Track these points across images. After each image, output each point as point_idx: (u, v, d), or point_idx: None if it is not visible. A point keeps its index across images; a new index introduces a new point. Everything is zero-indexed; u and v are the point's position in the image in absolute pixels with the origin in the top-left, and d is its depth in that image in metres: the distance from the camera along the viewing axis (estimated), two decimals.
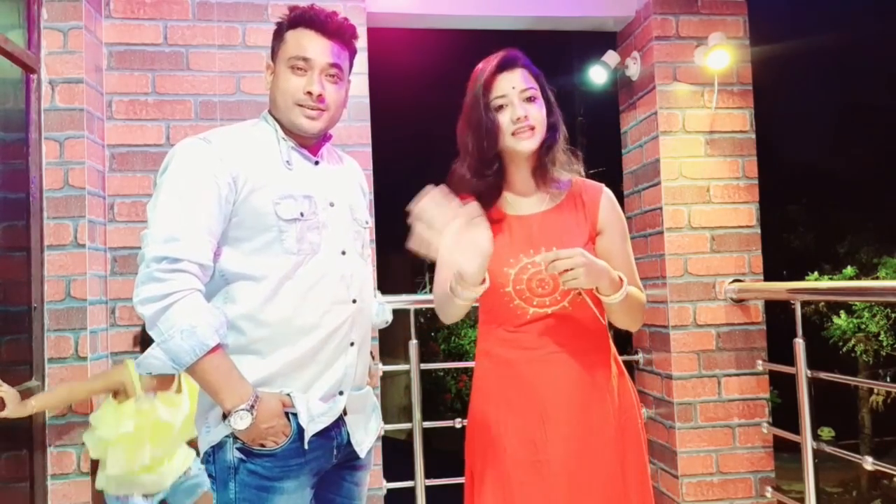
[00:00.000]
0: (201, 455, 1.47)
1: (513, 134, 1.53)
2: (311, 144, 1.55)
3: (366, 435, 1.58)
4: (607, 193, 1.62)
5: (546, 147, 1.57)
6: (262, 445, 1.39)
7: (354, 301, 1.52)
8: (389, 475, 2.54)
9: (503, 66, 1.55)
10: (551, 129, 1.57)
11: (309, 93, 1.46)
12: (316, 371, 1.46)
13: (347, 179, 1.65)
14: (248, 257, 1.42)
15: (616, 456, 1.57)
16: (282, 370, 1.43)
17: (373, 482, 2.45)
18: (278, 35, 1.52)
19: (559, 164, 1.59)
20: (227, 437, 1.40)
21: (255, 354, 1.42)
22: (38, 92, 2.16)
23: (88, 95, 2.22)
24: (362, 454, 1.56)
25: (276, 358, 1.42)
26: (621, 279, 1.50)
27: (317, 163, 1.56)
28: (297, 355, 1.43)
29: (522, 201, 1.61)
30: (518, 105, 1.52)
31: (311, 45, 1.47)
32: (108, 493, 2.13)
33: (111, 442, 2.06)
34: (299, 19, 1.49)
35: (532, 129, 1.53)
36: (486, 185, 1.58)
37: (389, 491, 2.54)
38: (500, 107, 1.54)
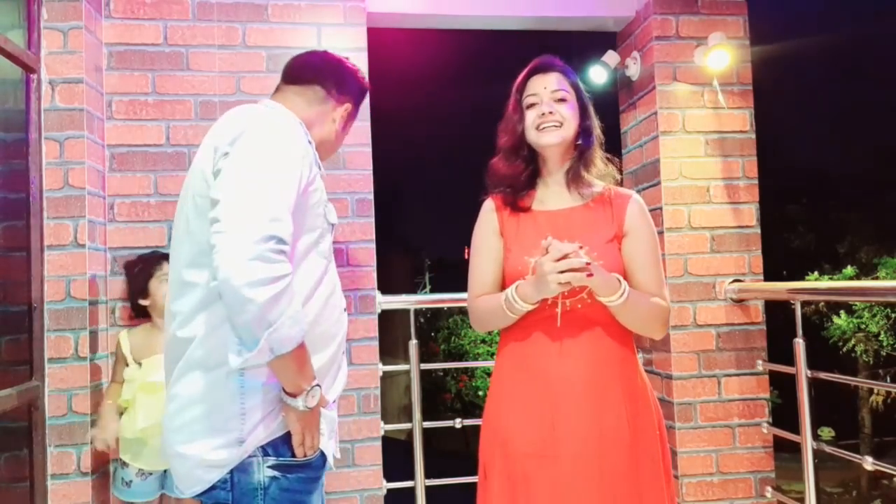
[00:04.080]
0: (203, 482, 1.33)
1: (537, 128, 1.61)
2: None
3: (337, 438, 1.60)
4: (637, 199, 1.66)
5: (579, 151, 1.64)
6: (298, 453, 1.36)
7: (345, 310, 1.57)
8: (389, 475, 2.54)
9: (538, 69, 1.64)
10: (584, 133, 1.64)
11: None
12: (332, 378, 1.47)
13: None
14: (295, 256, 1.37)
15: (628, 458, 1.55)
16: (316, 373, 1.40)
17: (373, 482, 2.45)
18: (352, 96, 1.65)
19: (594, 170, 1.65)
20: (252, 456, 1.33)
21: None
22: (38, 92, 2.16)
23: (88, 95, 2.22)
24: (338, 454, 1.57)
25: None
26: (620, 282, 1.51)
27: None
28: (325, 360, 1.43)
29: (552, 198, 1.67)
30: (546, 104, 1.61)
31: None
32: (116, 477, 2.20)
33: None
34: (362, 99, 1.72)
35: (559, 125, 1.60)
36: (515, 177, 1.66)
37: (389, 491, 2.54)
38: (531, 105, 1.63)
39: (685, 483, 2.57)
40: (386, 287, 2.60)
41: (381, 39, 2.82)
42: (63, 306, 2.14)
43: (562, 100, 1.62)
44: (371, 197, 2.52)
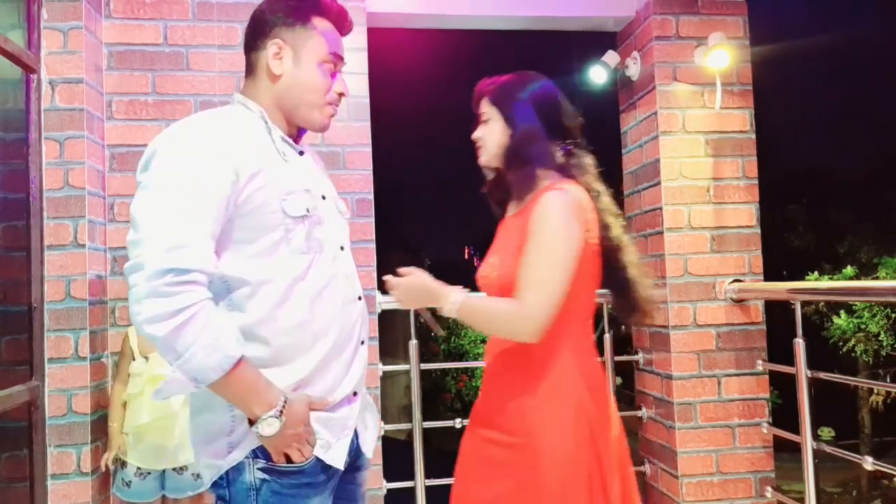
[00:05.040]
0: (206, 480, 1.35)
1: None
2: (295, 134, 1.45)
3: (370, 433, 1.53)
4: (544, 198, 1.49)
5: (505, 167, 1.62)
6: (288, 458, 1.30)
7: (360, 298, 1.47)
8: (389, 475, 2.54)
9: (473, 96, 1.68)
10: (513, 150, 1.58)
11: (341, 94, 1.43)
12: (338, 374, 1.39)
13: (321, 169, 1.57)
14: (253, 260, 1.30)
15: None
16: (305, 379, 1.33)
17: (373, 482, 2.45)
18: (301, 16, 1.39)
19: (522, 184, 1.58)
20: (246, 457, 1.31)
21: (275, 366, 1.30)
22: (38, 92, 2.16)
23: (88, 95, 2.22)
24: (370, 453, 1.51)
25: (297, 367, 1.33)
26: (446, 296, 1.53)
27: (301, 153, 1.45)
28: (318, 360, 1.35)
29: (511, 207, 1.67)
30: (477, 129, 1.65)
31: (340, 42, 1.43)
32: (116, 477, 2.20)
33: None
34: (328, 11, 1.41)
35: (481, 147, 1.64)
36: (490, 189, 1.70)
37: (389, 491, 2.54)
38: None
39: (685, 483, 2.57)
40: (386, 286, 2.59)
41: (381, 39, 2.82)
42: (63, 306, 2.14)
43: (485, 122, 1.63)
44: (371, 197, 2.52)
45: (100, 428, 2.21)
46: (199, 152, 1.26)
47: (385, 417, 2.54)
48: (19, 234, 2.10)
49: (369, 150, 2.52)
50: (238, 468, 1.31)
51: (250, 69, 1.44)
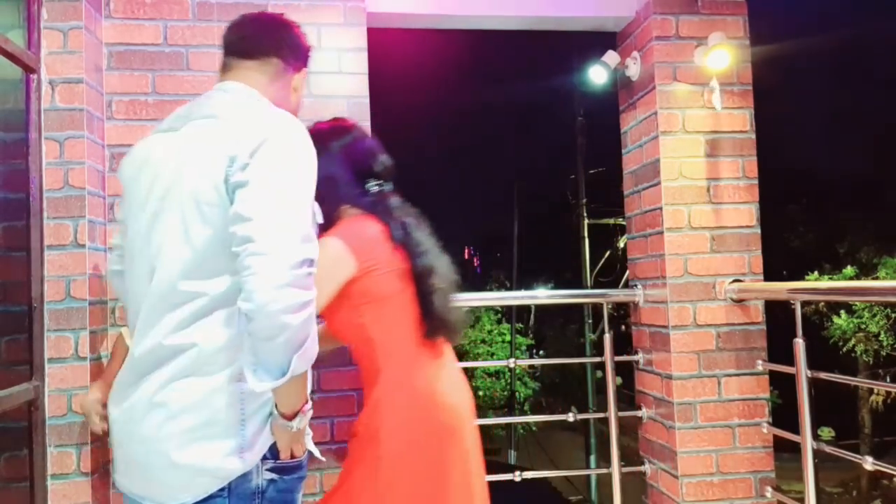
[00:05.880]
0: (195, 492, 1.29)
1: None
2: None
3: None
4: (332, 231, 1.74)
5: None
6: (293, 455, 1.35)
7: None
8: None
9: None
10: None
11: None
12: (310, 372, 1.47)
13: None
14: None
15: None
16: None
17: None
18: (305, 59, 1.64)
19: (327, 219, 1.74)
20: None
21: None
22: (38, 92, 2.16)
23: (88, 95, 2.22)
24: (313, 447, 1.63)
25: None
26: None
27: None
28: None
29: None
30: None
31: None
32: None
33: None
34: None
35: None
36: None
37: None
38: None
39: (685, 483, 2.57)
40: None
41: (381, 39, 2.82)
42: (63, 306, 2.14)
43: None
44: None
45: None
46: (305, 144, 1.35)
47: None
48: (19, 234, 2.10)
49: None
50: (244, 474, 1.29)
51: (266, 67, 1.54)
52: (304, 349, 1.20)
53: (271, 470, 1.33)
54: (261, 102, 1.45)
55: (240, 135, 1.31)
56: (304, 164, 1.31)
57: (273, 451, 1.34)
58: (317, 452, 1.47)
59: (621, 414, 2.86)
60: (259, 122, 1.33)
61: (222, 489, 1.29)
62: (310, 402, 1.31)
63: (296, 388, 1.28)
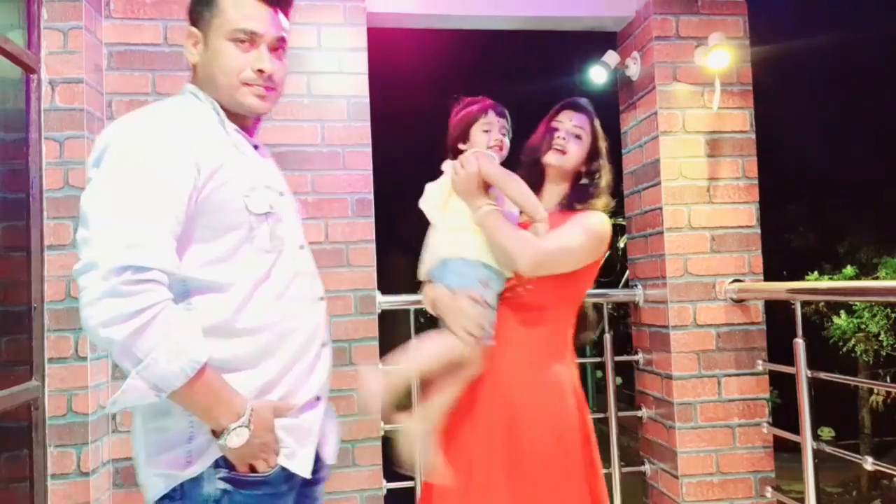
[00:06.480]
0: (153, 492, 1.23)
1: (548, 147, 1.84)
2: (249, 126, 1.37)
3: (332, 440, 1.45)
4: (588, 211, 1.81)
5: (579, 187, 1.85)
6: (253, 469, 1.21)
7: (322, 299, 1.41)
8: (389, 475, 2.54)
9: (571, 106, 1.88)
10: (588, 174, 1.85)
11: (260, 70, 1.29)
12: (300, 377, 1.31)
13: (275, 166, 1.47)
14: (213, 261, 1.22)
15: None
16: (269, 382, 1.26)
17: (373, 482, 2.45)
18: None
19: (583, 194, 1.84)
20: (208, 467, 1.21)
21: (238, 370, 1.23)
22: (38, 92, 2.16)
23: (88, 95, 2.22)
24: (333, 459, 1.44)
25: (262, 370, 1.26)
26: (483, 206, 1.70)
27: (255, 147, 1.38)
28: (283, 362, 1.28)
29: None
30: (564, 132, 1.84)
31: (256, 15, 1.29)
32: None
33: None
34: None
35: (563, 153, 1.83)
36: (528, 183, 1.82)
37: (389, 491, 2.54)
38: (553, 129, 1.85)
39: (685, 483, 2.57)
40: (386, 287, 2.59)
41: (381, 39, 2.82)
42: (63, 306, 2.14)
43: (577, 136, 1.84)
44: (371, 197, 2.52)
45: (100, 428, 2.21)
46: (159, 144, 1.17)
47: (385, 417, 2.54)
48: (19, 234, 2.10)
49: (369, 150, 2.52)
50: (195, 479, 1.21)
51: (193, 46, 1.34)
52: (143, 364, 1.07)
53: (225, 480, 1.21)
54: (167, 107, 1.29)
55: (95, 144, 1.23)
56: (145, 163, 1.15)
57: (227, 461, 1.21)
58: (302, 469, 1.30)
59: (621, 414, 2.86)
60: (109, 127, 1.23)
61: (175, 490, 1.21)
62: (244, 417, 1.16)
63: (186, 403, 1.15)
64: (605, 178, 1.86)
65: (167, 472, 1.22)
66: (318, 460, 1.38)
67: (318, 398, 1.36)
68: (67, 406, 2.13)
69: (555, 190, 1.88)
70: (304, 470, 1.30)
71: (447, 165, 1.81)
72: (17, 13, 2.13)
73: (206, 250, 1.22)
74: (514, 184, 1.72)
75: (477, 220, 1.71)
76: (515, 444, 1.67)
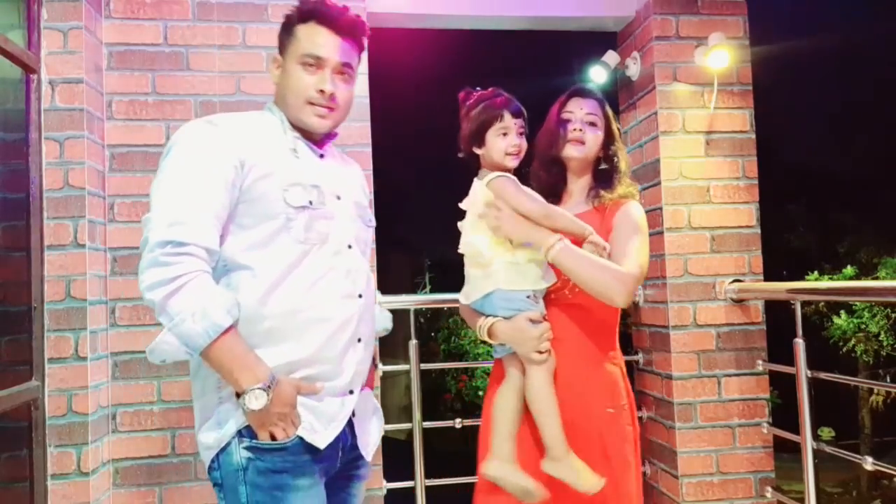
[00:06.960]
0: (206, 464, 1.42)
1: (567, 141, 1.81)
2: (317, 139, 1.56)
3: (370, 437, 1.59)
4: (628, 204, 1.82)
5: (600, 172, 1.86)
6: (272, 437, 1.34)
7: (360, 296, 1.51)
8: (389, 475, 2.54)
9: (579, 93, 1.86)
10: (606, 158, 1.85)
11: (321, 91, 1.47)
12: (329, 367, 1.43)
13: (352, 178, 1.66)
14: (252, 245, 1.39)
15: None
16: (294, 363, 1.39)
17: (373, 482, 2.45)
18: (288, 29, 1.50)
19: (615, 191, 1.82)
20: (233, 437, 1.37)
21: (264, 346, 1.37)
22: (38, 92, 2.16)
23: (88, 95, 2.22)
24: (368, 456, 1.56)
25: (287, 350, 1.39)
26: (550, 238, 1.66)
27: (321, 156, 1.56)
28: (307, 349, 1.40)
29: (570, 203, 1.89)
30: (578, 122, 1.82)
31: (324, 43, 1.47)
32: None
33: None
34: (311, 14, 1.48)
35: (582, 143, 1.81)
36: (550, 181, 1.87)
37: (389, 491, 2.54)
38: (566, 120, 1.83)
39: (685, 483, 2.57)
40: (386, 287, 2.59)
41: (381, 39, 2.82)
42: (63, 306, 2.14)
43: (592, 123, 1.82)
44: (371, 197, 2.52)
45: (100, 428, 2.22)
46: (209, 142, 1.39)
47: (385, 417, 2.54)
48: (19, 234, 2.10)
49: (369, 150, 2.52)
50: (226, 450, 1.37)
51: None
52: (174, 322, 1.27)
53: (247, 448, 1.36)
54: (221, 120, 1.51)
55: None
56: (193, 159, 1.37)
57: (250, 430, 1.36)
58: (312, 441, 1.40)
59: None
60: (183, 125, 1.47)
61: (214, 461, 1.40)
62: (264, 383, 1.30)
63: (213, 363, 1.32)
64: (623, 161, 1.86)
65: (206, 443, 1.40)
66: (359, 457, 1.55)
67: (350, 391, 1.48)
68: (67, 406, 2.13)
69: (579, 183, 1.88)
70: (321, 443, 1.42)
71: (476, 184, 1.76)
72: (17, 13, 2.13)
73: (247, 236, 1.40)
74: (558, 217, 1.70)
75: (552, 260, 1.67)
76: (572, 441, 1.68)
